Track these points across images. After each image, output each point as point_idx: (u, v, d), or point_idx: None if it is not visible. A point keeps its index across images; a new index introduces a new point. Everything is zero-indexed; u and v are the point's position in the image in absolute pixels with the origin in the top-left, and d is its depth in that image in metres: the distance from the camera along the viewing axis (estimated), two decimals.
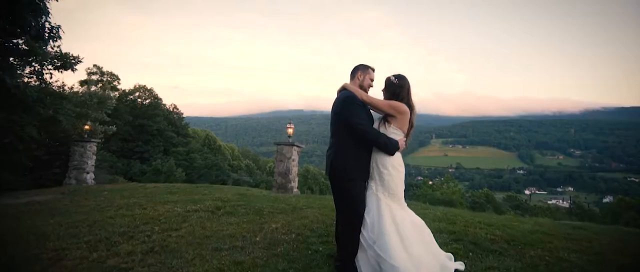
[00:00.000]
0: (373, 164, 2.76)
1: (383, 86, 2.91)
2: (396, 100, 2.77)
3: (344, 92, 2.79)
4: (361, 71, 2.89)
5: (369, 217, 2.67)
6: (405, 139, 2.79)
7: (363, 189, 2.74)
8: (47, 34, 7.66)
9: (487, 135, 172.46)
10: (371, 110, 2.86)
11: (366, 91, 2.87)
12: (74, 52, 9.84)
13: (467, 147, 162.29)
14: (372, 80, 2.92)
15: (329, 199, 6.39)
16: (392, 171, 2.71)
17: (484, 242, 3.59)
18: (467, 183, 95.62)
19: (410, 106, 2.78)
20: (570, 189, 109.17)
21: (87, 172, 9.99)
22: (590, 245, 3.59)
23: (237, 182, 31.47)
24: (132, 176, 25.08)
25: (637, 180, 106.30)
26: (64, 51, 9.69)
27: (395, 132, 2.74)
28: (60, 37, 8.05)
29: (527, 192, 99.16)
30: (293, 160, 8.44)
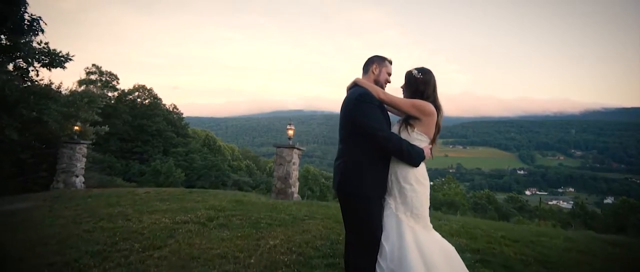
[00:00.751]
0: (392, 178, 2.24)
1: (403, 82, 2.41)
2: (420, 98, 2.26)
3: (356, 89, 2.27)
4: (376, 63, 2.37)
5: (387, 243, 2.15)
6: (431, 146, 2.29)
7: (380, 208, 2.22)
8: (26, 27, 7.12)
9: (488, 135, 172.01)
10: (388, 112, 2.36)
11: (383, 88, 2.36)
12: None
13: (468, 148, 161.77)
14: (389, 74, 2.41)
15: (332, 208, 5.89)
16: (416, 185, 2.19)
17: (516, 264, 3.09)
18: (467, 184, 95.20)
19: (437, 106, 2.26)
20: (571, 189, 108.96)
21: (77, 176, 9.47)
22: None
23: (237, 183, 31.03)
24: (131, 176, 24.72)
25: (638, 181, 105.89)
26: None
27: (419, 138, 2.22)
28: (42, 30, 7.51)
29: (528, 192, 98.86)
30: (293, 163, 7.94)
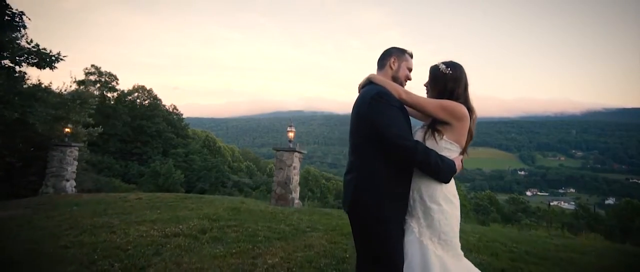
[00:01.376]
0: (414, 196, 1.81)
1: (421, 80, 2.00)
2: (449, 99, 1.84)
3: (370, 86, 1.85)
4: (395, 57, 1.95)
5: None
6: (462, 157, 1.88)
7: (401, 232, 1.81)
8: (8, 20, 6.71)
9: (488, 136, 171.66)
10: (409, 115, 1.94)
11: (402, 85, 1.95)
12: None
13: (468, 148, 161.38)
14: (410, 69, 1.99)
15: (335, 217, 5.47)
16: (444, 205, 1.77)
17: None
18: (468, 184, 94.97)
19: (470, 108, 1.85)
20: (572, 190, 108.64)
21: (67, 180, 9.07)
22: None
23: (237, 185, 30.64)
24: (130, 178, 24.44)
25: (639, 181, 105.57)
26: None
27: (448, 147, 1.80)
28: (25, 26, 7.13)
29: (528, 193, 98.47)
30: (294, 168, 7.53)
